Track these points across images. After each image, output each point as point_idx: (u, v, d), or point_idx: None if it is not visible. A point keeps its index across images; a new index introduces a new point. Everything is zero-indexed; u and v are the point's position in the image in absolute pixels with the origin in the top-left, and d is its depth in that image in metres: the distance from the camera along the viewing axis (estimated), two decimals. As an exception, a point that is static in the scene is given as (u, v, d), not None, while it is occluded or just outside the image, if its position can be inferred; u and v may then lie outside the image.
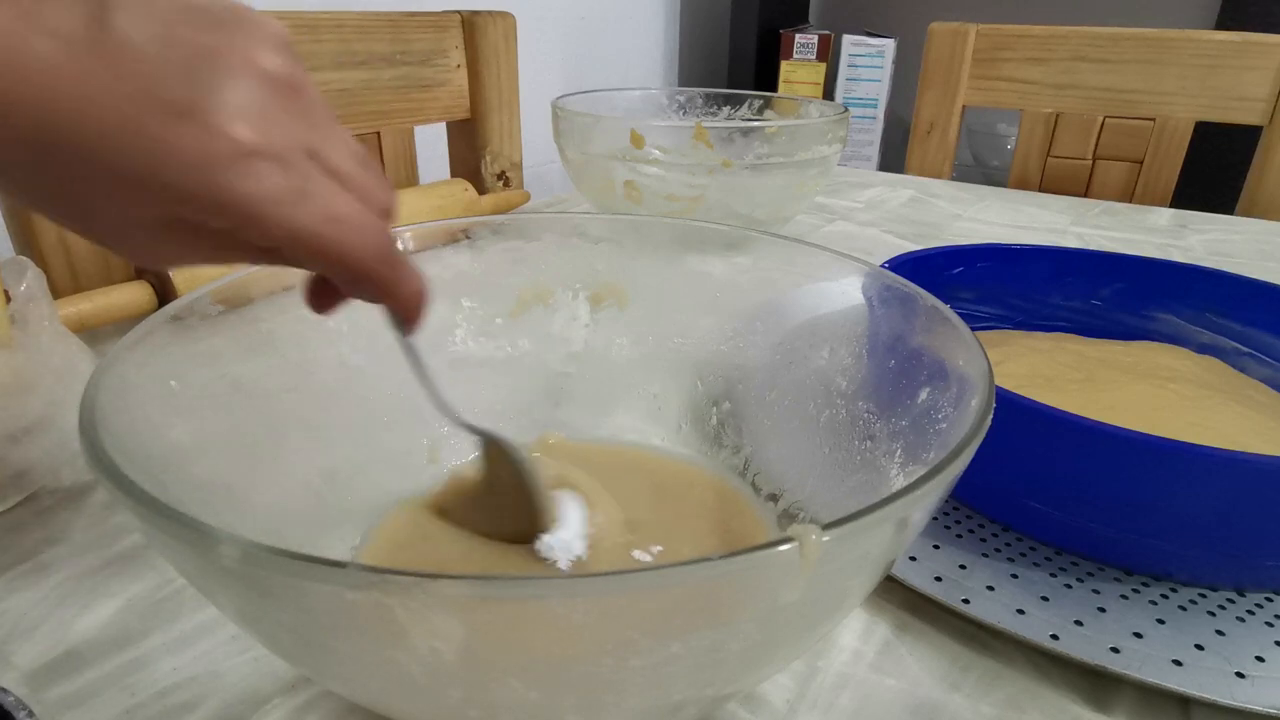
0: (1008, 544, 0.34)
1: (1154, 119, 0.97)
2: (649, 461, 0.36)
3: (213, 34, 0.19)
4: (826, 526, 0.17)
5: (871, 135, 1.69)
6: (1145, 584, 0.32)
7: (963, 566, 0.32)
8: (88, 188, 0.18)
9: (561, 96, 0.70)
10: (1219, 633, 0.29)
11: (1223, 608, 0.30)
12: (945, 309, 0.28)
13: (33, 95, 0.17)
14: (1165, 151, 0.97)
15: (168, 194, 0.18)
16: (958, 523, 0.35)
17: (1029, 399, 0.30)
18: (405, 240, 0.34)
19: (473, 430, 0.30)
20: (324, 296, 0.25)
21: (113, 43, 0.17)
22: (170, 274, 0.52)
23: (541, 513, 0.29)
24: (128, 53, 0.17)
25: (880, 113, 1.68)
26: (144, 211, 0.19)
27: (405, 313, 0.25)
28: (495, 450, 0.30)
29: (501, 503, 0.30)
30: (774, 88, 1.70)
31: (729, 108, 0.81)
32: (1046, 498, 0.32)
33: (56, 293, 0.53)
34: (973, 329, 0.26)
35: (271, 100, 0.19)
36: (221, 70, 0.18)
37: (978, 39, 1.02)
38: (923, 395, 0.28)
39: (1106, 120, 0.99)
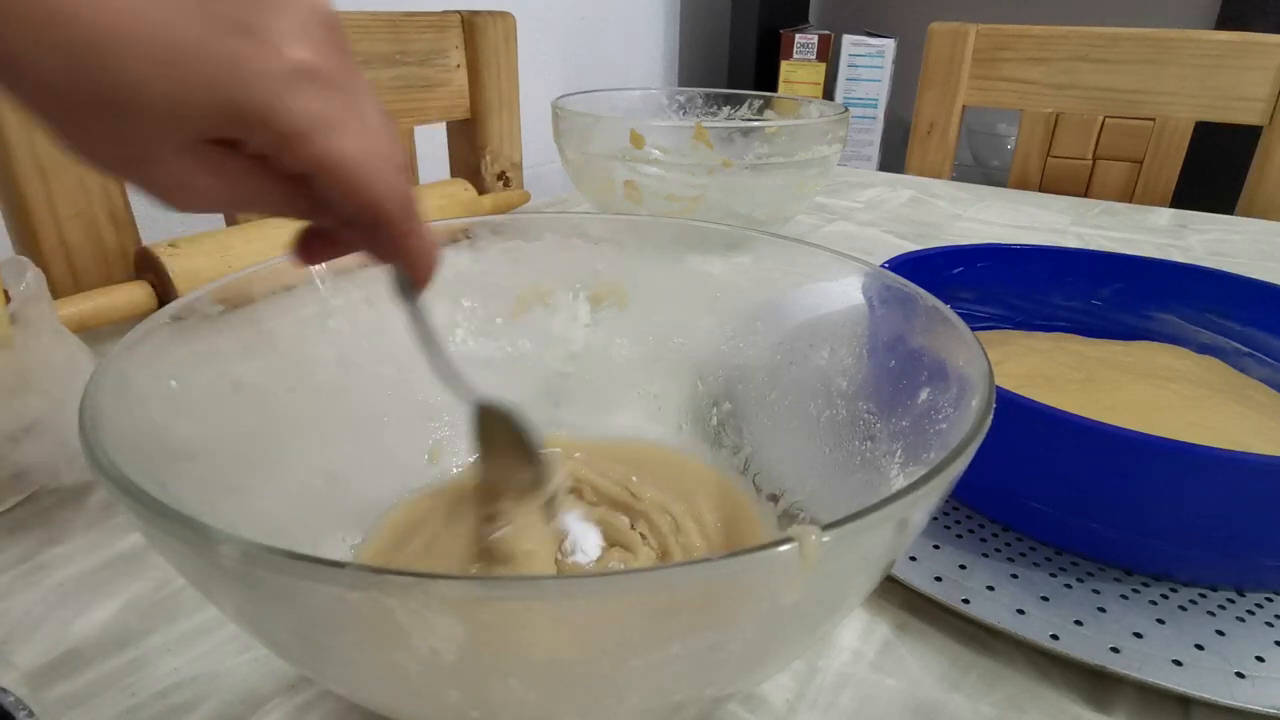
0: (1008, 544, 0.34)
1: (1154, 119, 0.97)
2: (656, 454, 0.36)
3: None
4: (826, 527, 0.17)
5: (871, 135, 1.69)
6: (1145, 584, 0.32)
7: (963, 566, 0.32)
8: (129, 102, 0.18)
9: (561, 96, 0.70)
10: (1219, 633, 0.29)
11: (1223, 608, 0.30)
12: (945, 309, 0.28)
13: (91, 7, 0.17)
14: (1165, 151, 0.97)
15: (220, 107, 0.19)
16: (958, 523, 0.35)
17: (1029, 399, 0.30)
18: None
19: (479, 402, 0.30)
20: (314, 246, 0.25)
21: None
22: (170, 274, 0.52)
23: (540, 467, 0.30)
24: None
25: (880, 113, 1.68)
26: (183, 131, 0.19)
27: (417, 268, 0.24)
28: (490, 419, 0.30)
29: (498, 472, 0.31)
30: (774, 88, 1.70)
31: (729, 108, 0.81)
32: (1046, 498, 0.32)
33: (56, 293, 0.53)
34: (973, 329, 0.26)
35: (325, 36, 0.20)
36: (280, 2, 0.19)
37: (978, 39, 1.02)
38: (923, 395, 0.28)
39: (1106, 120, 0.99)
